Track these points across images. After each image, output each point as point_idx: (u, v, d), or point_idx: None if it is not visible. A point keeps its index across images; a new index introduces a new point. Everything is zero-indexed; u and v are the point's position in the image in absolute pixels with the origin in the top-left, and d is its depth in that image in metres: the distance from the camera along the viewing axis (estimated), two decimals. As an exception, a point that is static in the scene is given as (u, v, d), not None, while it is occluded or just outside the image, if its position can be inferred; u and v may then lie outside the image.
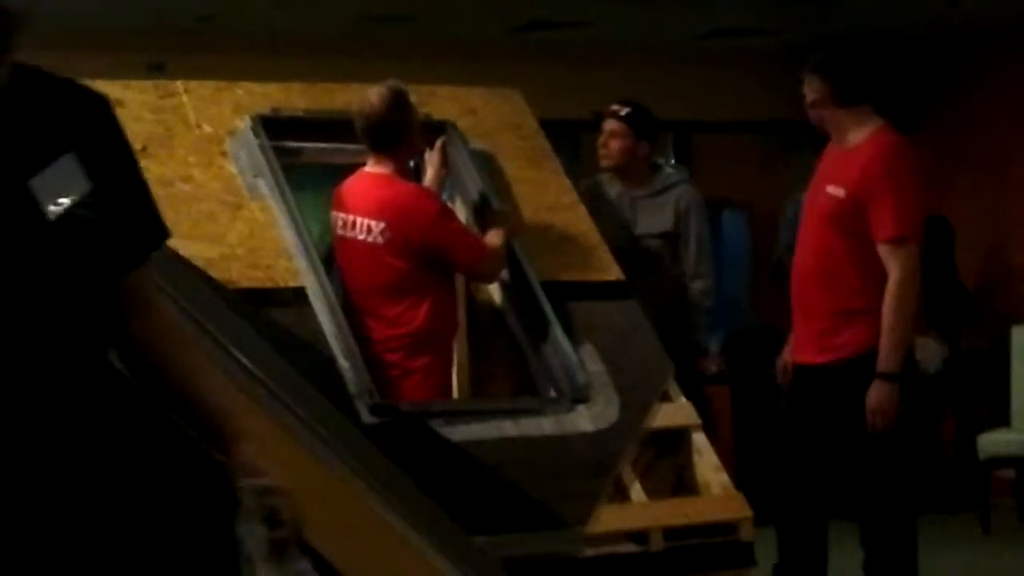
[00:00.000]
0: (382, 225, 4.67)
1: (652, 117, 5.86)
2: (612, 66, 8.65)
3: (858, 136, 5.01)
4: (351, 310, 4.64)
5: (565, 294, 4.82)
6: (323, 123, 4.95)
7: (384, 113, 4.65)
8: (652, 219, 5.75)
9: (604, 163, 5.67)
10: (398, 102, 4.65)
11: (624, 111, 5.78)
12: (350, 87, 5.21)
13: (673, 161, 6.00)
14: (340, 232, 4.75)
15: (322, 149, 5.02)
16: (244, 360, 3.64)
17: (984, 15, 8.93)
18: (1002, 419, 7.89)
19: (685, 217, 5.76)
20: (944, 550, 6.68)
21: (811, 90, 5.06)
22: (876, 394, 4.86)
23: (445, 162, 4.95)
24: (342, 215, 4.75)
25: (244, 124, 4.78)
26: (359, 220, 4.70)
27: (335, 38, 8.79)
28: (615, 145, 5.76)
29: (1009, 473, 7.98)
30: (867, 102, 5.05)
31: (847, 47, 5.20)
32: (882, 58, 9.36)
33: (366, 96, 4.70)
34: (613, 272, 4.98)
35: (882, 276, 4.87)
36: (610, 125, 5.79)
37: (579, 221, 5.09)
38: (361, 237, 4.70)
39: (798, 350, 5.11)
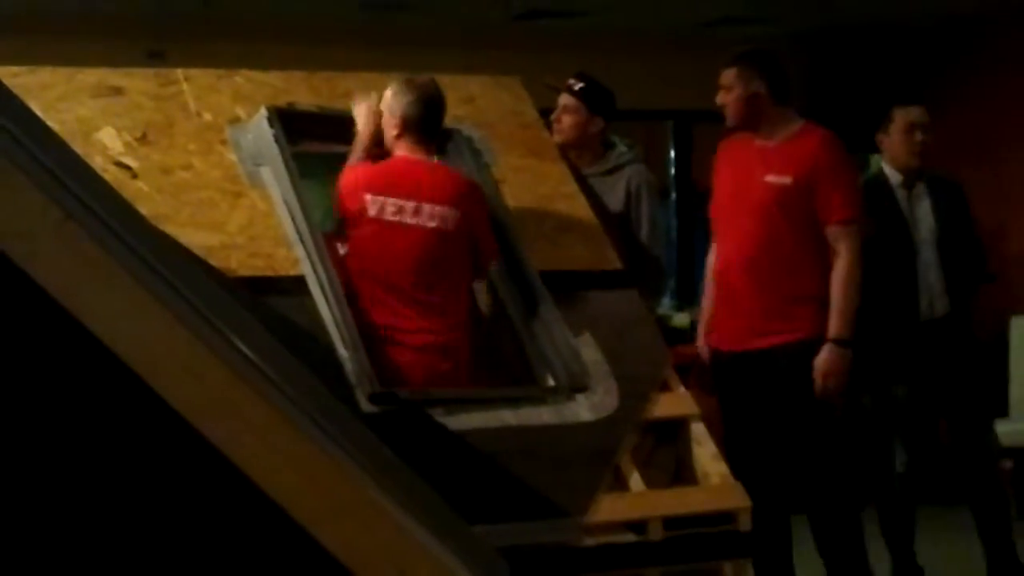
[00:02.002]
0: (456, 213, 4.66)
1: (607, 93, 5.69)
2: (613, 55, 8.63)
3: (788, 131, 5.26)
4: (374, 297, 4.57)
5: (564, 283, 4.82)
6: (331, 119, 4.93)
7: (444, 103, 4.72)
8: (602, 199, 5.66)
9: (556, 138, 5.48)
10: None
11: (578, 86, 5.63)
12: (350, 75, 5.21)
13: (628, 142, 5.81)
14: (389, 217, 4.62)
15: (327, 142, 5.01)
16: (244, 348, 3.64)
17: (985, 3, 8.92)
18: (1001, 410, 7.90)
19: (636, 198, 5.61)
20: (941, 542, 6.68)
21: (745, 85, 5.23)
22: (829, 357, 5.12)
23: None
24: (393, 199, 4.63)
25: (260, 115, 4.76)
26: (424, 206, 4.63)
27: (336, 26, 8.78)
28: (567, 120, 5.60)
29: (1007, 464, 7.98)
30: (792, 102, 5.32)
31: (770, 47, 5.43)
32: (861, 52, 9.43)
33: (427, 84, 4.70)
34: (613, 261, 4.98)
35: (825, 261, 5.18)
36: (563, 99, 5.64)
37: (579, 210, 5.09)
38: (423, 223, 4.63)
39: (729, 337, 5.21)
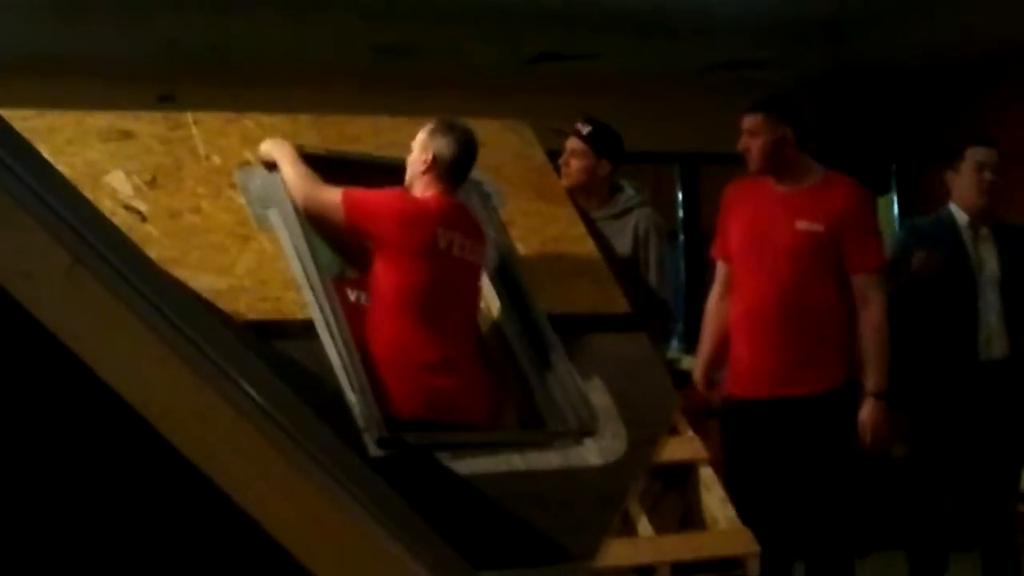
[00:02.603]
0: (485, 250, 4.74)
1: (615, 137, 5.72)
2: (621, 98, 8.65)
3: (812, 177, 5.29)
4: (419, 327, 4.53)
5: (573, 326, 4.82)
6: (339, 162, 4.93)
7: (476, 151, 4.74)
8: (611, 242, 5.63)
9: (564, 182, 5.52)
10: None
11: (586, 129, 5.66)
12: (359, 119, 5.22)
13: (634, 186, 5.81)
14: (456, 253, 4.60)
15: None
16: (251, 391, 3.64)
17: (993, 45, 8.94)
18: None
19: (644, 242, 5.63)
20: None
21: (771, 131, 5.26)
22: (874, 412, 5.16)
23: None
24: (459, 235, 4.62)
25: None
26: (473, 245, 4.66)
27: (345, 69, 8.82)
28: (575, 164, 5.63)
29: (1021, 508, 7.90)
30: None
31: (790, 95, 5.48)
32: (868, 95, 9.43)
33: (465, 128, 4.70)
34: (621, 305, 4.98)
35: (849, 307, 5.21)
36: (571, 143, 5.67)
37: (587, 253, 5.09)
38: (471, 259, 4.67)
39: (753, 384, 5.20)
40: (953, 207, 5.97)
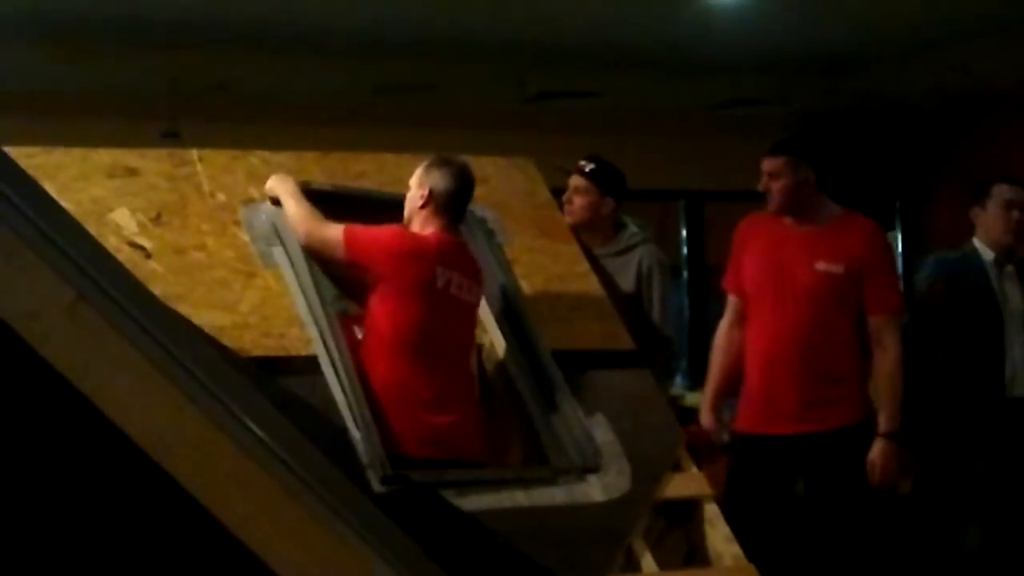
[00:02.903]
0: (480, 291, 4.74)
1: (618, 174, 5.73)
2: (625, 135, 8.70)
3: (829, 216, 5.33)
4: (417, 367, 4.54)
5: (576, 363, 4.81)
6: (345, 197, 4.95)
7: (473, 186, 4.75)
8: (615, 279, 5.62)
9: (567, 219, 5.52)
10: None
11: (589, 167, 5.67)
12: (364, 156, 5.23)
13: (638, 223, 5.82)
14: (454, 292, 4.61)
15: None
16: (254, 427, 3.64)
17: (994, 81, 8.97)
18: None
19: (648, 278, 5.63)
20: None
21: (794, 173, 5.29)
22: (884, 452, 5.17)
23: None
24: (457, 275, 4.62)
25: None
26: (470, 284, 4.67)
27: (350, 107, 8.85)
28: (579, 201, 5.64)
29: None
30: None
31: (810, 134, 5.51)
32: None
33: (462, 164, 4.71)
34: (625, 341, 4.98)
35: (863, 345, 5.26)
36: (574, 181, 5.68)
37: (591, 290, 5.09)
38: (473, 300, 4.69)
39: (766, 421, 5.21)
40: (978, 243, 5.97)
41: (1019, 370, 5.81)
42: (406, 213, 4.71)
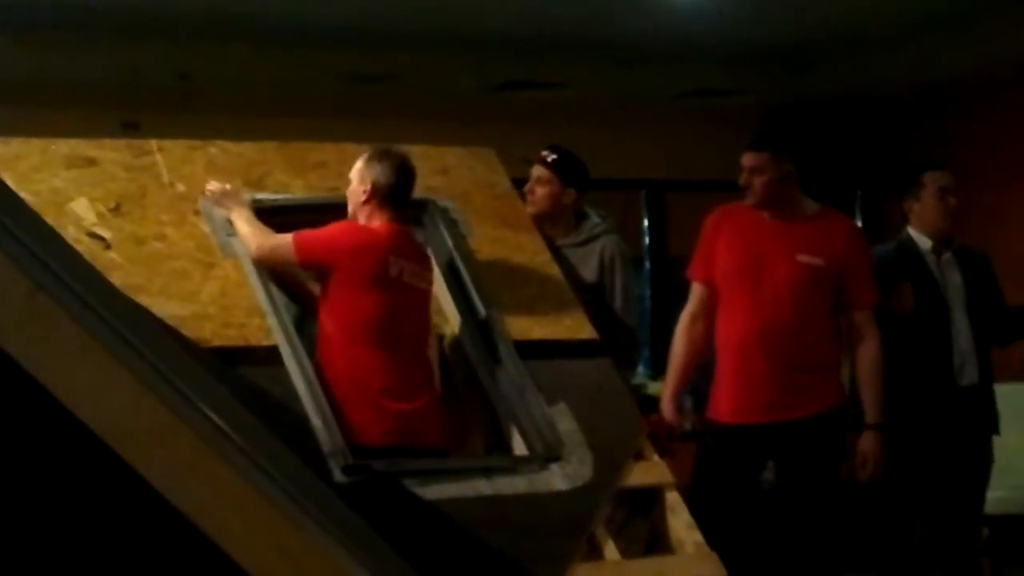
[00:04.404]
0: (431, 275, 4.79)
1: (580, 165, 5.71)
2: (589, 125, 8.69)
3: (807, 210, 5.38)
4: (375, 356, 4.56)
5: (538, 352, 4.82)
6: (295, 208, 4.95)
7: (415, 174, 4.78)
8: (576, 269, 5.60)
9: (529, 209, 5.51)
10: None
11: (551, 157, 5.65)
12: (325, 146, 5.23)
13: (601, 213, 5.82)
14: (407, 279, 4.66)
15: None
16: (215, 417, 3.63)
17: (954, 72, 9.02)
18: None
19: (610, 269, 5.61)
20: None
21: (776, 168, 5.30)
22: (873, 443, 5.29)
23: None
24: (409, 263, 4.67)
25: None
26: (421, 271, 4.72)
27: (312, 97, 8.83)
28: (540, 191, 5.61)
29: (984, 531, 7.92)
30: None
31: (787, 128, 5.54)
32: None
33: (399, 154, 4.75)
34: (586, 331, 4.99)
35: (837, 335, 5.35)
36: (536, 171, 5.65)
37: (552, 280, 5.10)
38: (420, 285, 4.72)
39: (741, 410, 5.25)
40: (913, 233, 5.98)
41: (967, 359, 5.84)
42: (350, 208, 4.74)
